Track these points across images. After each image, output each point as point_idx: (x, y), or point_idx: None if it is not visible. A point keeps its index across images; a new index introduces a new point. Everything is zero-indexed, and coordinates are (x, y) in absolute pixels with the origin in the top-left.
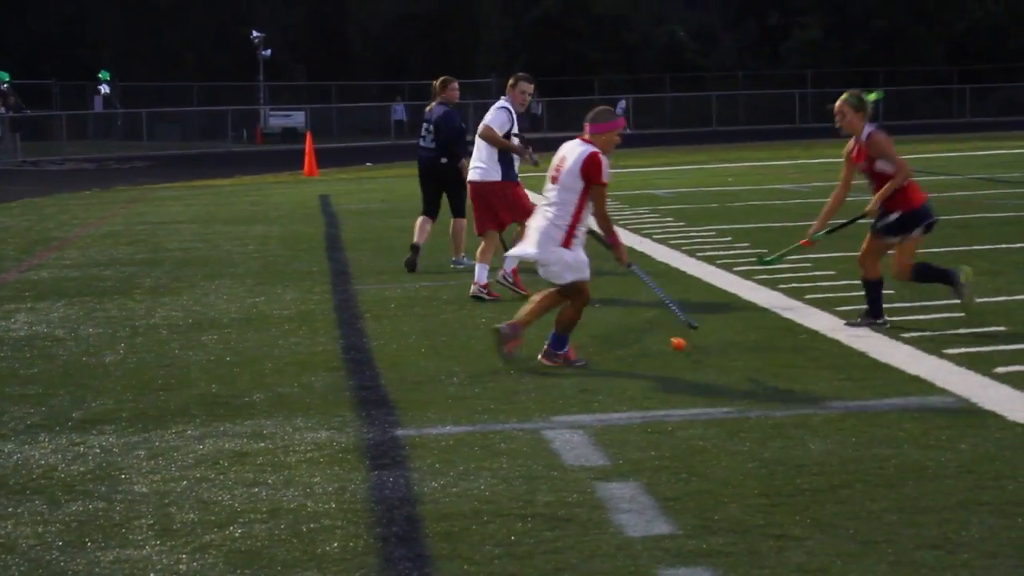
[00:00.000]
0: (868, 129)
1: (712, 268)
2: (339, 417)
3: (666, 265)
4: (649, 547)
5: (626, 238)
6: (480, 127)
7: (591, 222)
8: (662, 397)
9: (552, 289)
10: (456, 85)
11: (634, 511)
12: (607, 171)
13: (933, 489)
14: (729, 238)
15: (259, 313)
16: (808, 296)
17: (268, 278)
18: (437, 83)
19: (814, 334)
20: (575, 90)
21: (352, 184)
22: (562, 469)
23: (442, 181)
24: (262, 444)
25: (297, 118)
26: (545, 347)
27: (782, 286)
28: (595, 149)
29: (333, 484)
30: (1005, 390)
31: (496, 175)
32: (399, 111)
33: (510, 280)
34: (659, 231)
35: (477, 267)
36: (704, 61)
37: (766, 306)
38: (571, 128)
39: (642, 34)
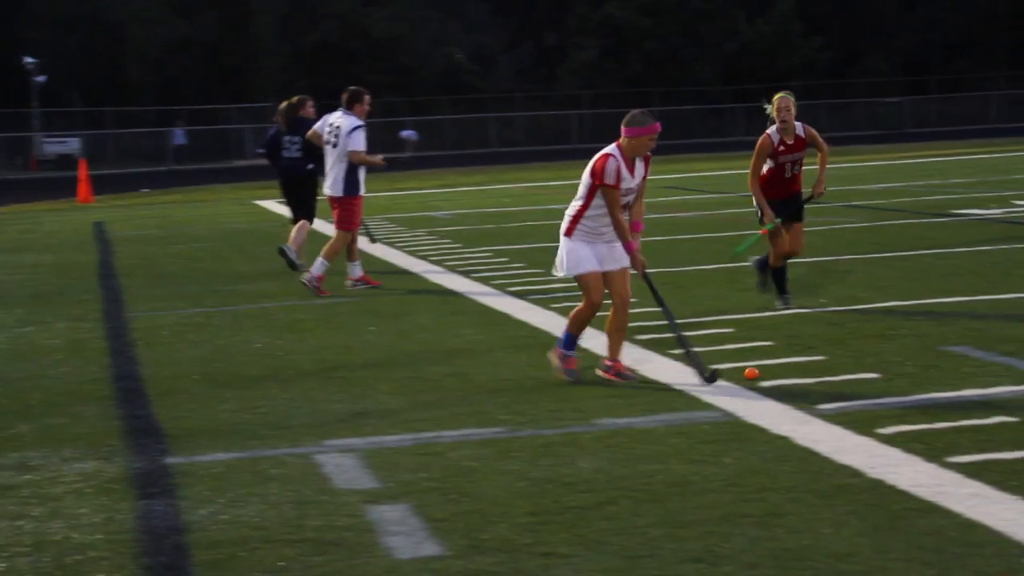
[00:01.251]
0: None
1: (487, 288)
2: (108, 447)
3: (441, 287)
4: (417, 569)
5: (403, 260)
6: (349, 154)
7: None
8: (434, 418)
9: (613, 310)
10: (311, 102)
11: (403, 533)
12: (610, 173)
13: (697, 503)
14: (505, 259)
15: (28, 343)
16: None
17: (38, 307)
18: (295, 100)
19: (585, 352)
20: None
21: (128, 211)
22: (332, 493)
23: (302, 186)
24: (27, 476)
25: (72, 144)
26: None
27: (555, 306)
28: (609, 152)
29: (100, 515)
30: (769, 404)
31: (341, 191)
32: (179, 136)
33: (316, 284)
34: (435, 253)
35: (349, 266)
36: (482, 83)
37: (539, 326)
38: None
39: (420, 57)
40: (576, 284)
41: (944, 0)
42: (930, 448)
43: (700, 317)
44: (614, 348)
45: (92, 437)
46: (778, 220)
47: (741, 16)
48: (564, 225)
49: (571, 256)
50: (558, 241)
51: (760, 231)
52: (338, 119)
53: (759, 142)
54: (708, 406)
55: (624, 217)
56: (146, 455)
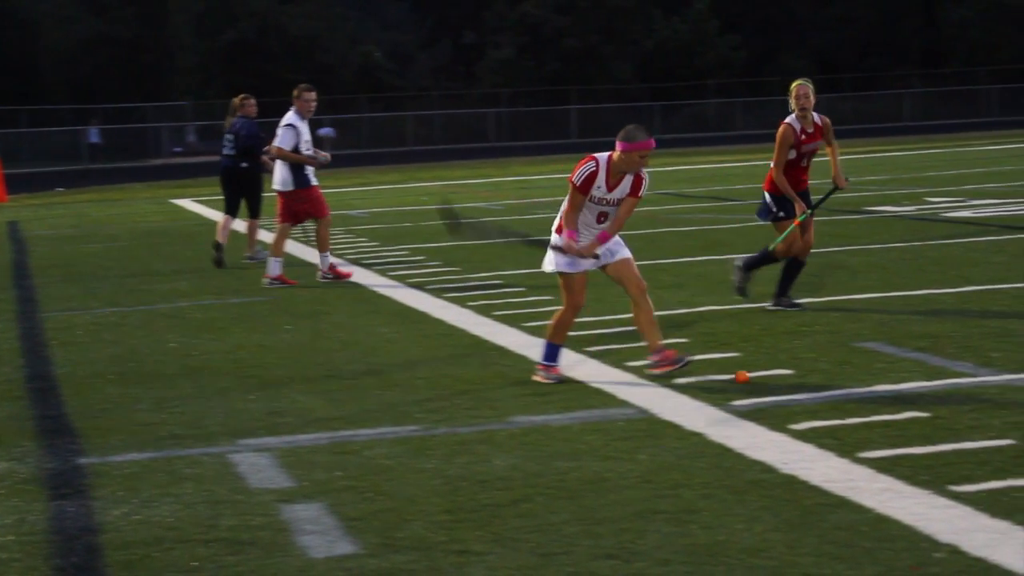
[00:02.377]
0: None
1: (404, 287)
2: (20, 447)
3: (358, 285)
4: (331, 568)
5: (317, 258)
6: (273, 148)
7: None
8: (349, 417)
9: (633, 305)
10: (253, 101)
11: (318, 532)
12: (581, 174)
13: (612, 500)
14: (422, 257)
15: None
16: (497, 313)
17: None
18: (236, 100)
19: (502, 350)
20: (273, 111)
21: (42, 210)
22: (247, 492)
23: (241, 184)
24: None
25: None
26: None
27: (471, 304)
28: (595, 155)
29: (12, 516)
30: (684, 400)
31: (291, 185)
32: (93, 134)
33: (330, 276)
34: (352, 251)
35: (269, 261)
36: (400, 81)
37: (455, 323)
38: None
39: (337, 55)
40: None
41: None
42: (842, 444)
43: (616, 314)
44: (653, 340)
45: (4, 438)
46: (809, 211)
47: (658, 14)
48: (555, 222)
49: (552, 253)
50: (477, 240)
51: (794, 222)
52: (284, 117)
53: (780, 132)
54: (623, 403)
55: (602, 232)
56: (59, 455)
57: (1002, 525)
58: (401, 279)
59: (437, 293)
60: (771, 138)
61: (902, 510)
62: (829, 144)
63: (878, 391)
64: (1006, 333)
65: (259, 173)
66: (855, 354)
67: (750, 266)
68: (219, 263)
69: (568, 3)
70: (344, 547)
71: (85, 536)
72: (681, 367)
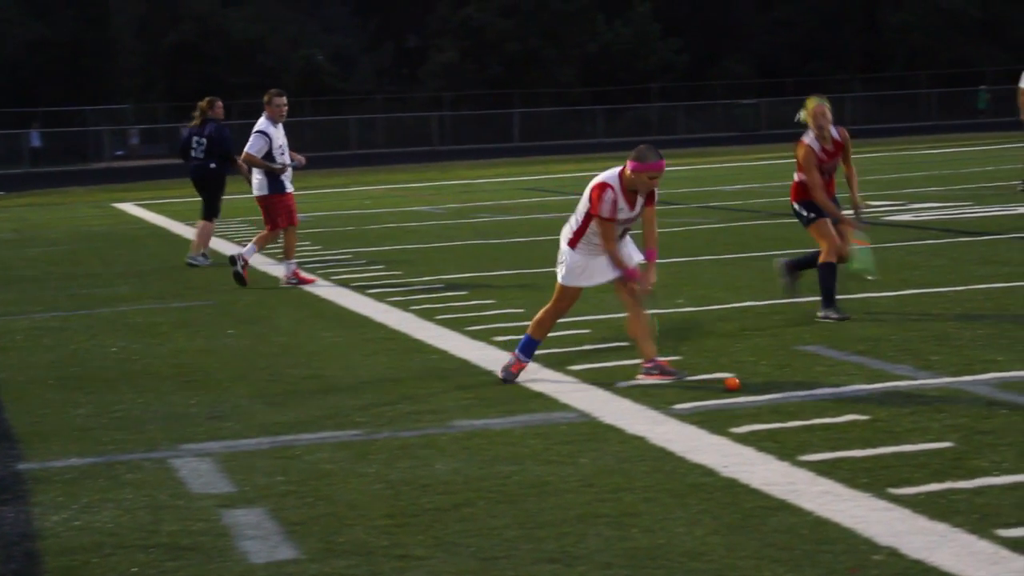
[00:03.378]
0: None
1: (346, 291)
2: None
3: (300, 289)
4: (272, 573)
5: (261, 263)
6: (244, 154)
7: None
8: (291, 421)
9: (629, 313)
10: (221, 104)
11: (258, 537)
12: (605, 206)
13: (553, 504)
14: (365, 261)
15: None
16: (439, 317)
17: None
18: (204, 103)
19: (444, 354)
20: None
21: None
22: (188, 498)
23: (207, 184)
24: None
25: None
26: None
27: (414, 308)
28: (608, 181)
29: None
30: (626, 404)
31: (266, 189)
32: (34, 138)
33: (294, 280)
34: (295, 255)
35: (285, 264)
36: (343, 84)
37: (398, 327)
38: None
39: (280, 58)
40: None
41: (798, 2)
42: (782, 447)
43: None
44: (647, 350)
45: None
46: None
47: (600, 18)
48: (566, 235)
49: (570, 268)
50: (419, 243)
51: (859, 243)
52: (258, 123)
53: (802, 153)
54: (565, 407)
55: (620, 243)
56: None
57: (941, 527)
58: (344, 283)
59: (380, 297)
60: (713, 142)
61: (842, 513)
62: (847, 165)
63: (818, 394)
64: (945, 336)
65: (225, 175)
66: (796, 357)
67: (794, 268)
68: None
69: (511, 7)
70: (285, 552)
71: (24, 542)
72: (674, 380)
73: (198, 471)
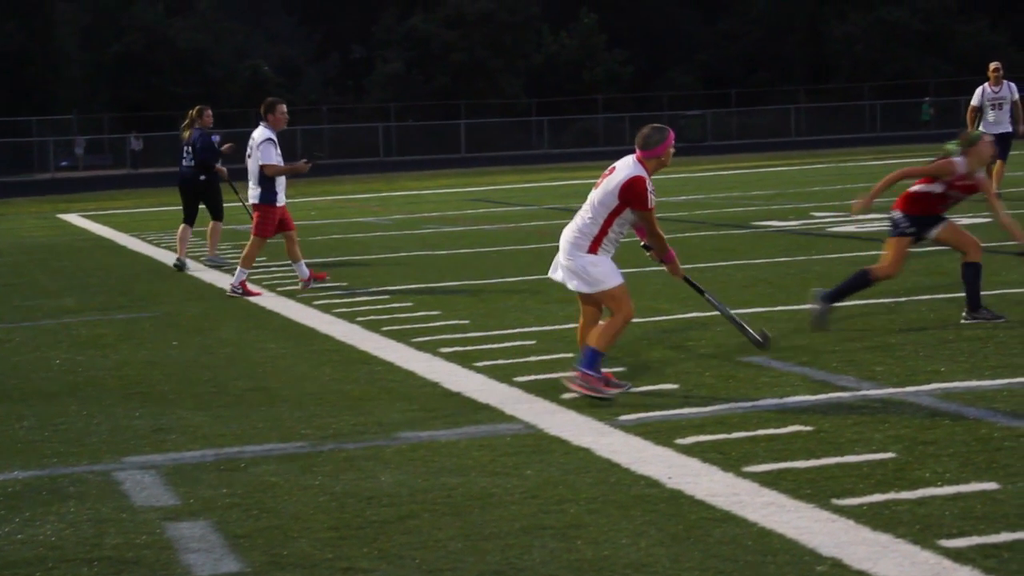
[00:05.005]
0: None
1: (291, 302)
2: None
3: (246, 300)
4: None
5: (206, 274)
6: (263, 168)
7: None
8: (236, 433)
9: (581, 323)
10: (210, 112)
11: (203, 550)
12: (652, 197)
13: (498, 515)
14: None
15: None
16: (385, 328)
17: None
18: (194, 112)
19: (389, 366)
20: (160, 126)
21: None
22: (131, 511)
23: (200, 193)
24: None
25: None
26: (576, 371)
27: (360, 319)
28: (640, 173)
29: None
30: (571, 415)
31: (257, 198)
32: None
33: (239, 290)
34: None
35: (295, 267)
36: (288, 95)
37: (343, 339)
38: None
39: (226, 69)
40: (605, 297)
41: (744, 14)
42: (727, 458)
43: (503, 329)
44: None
45: None
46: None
47: (546, 29)
48: (584, 244)
49: (605, 269)
50: (365, 255)
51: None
52: (257, 132)
53: (941, 163)
54: (511, 419)
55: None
56: None
57: (883, 538)
58: (289, 294)
59: (325, 308)
60: None
61: (785, 524)
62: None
63: (763, 405)
64: (888, 347)
65: (217, 182)
66: (740, 368)
67: (832, 299)
68: (181, 268)
69: (457, 18)
70: (229, 565)
71: None
72: (614, 392)
73: (142, 484)
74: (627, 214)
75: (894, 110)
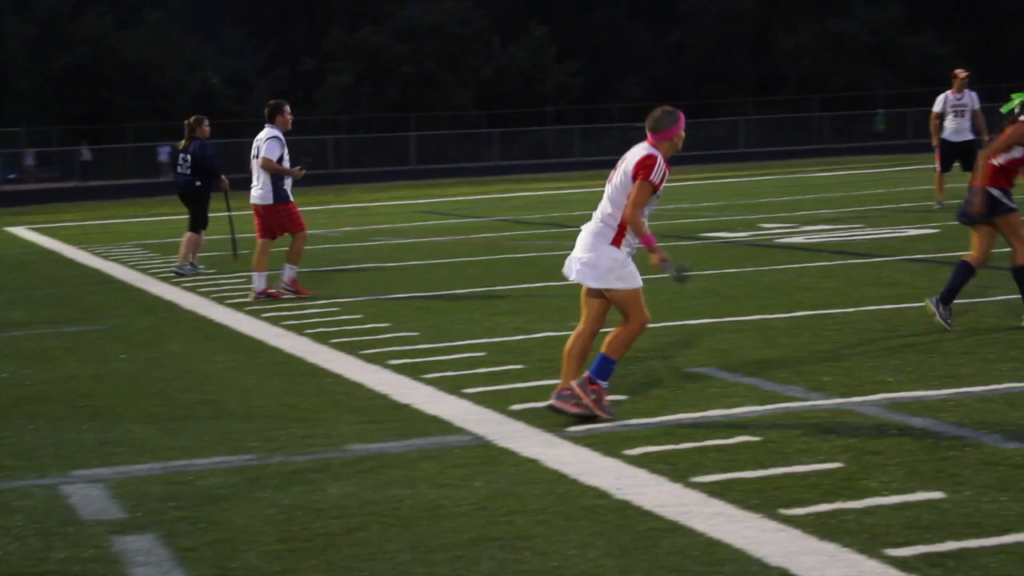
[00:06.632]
0: None
1: (240, 314)
2: None
3: (194, 313)
4: None
5: (156, 287)
6: (260, 159)
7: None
8: (184, 446)
9: (577, 331)
10: (207, 121)
11: (150, 564)
12: (659, 172)
13: (447, 527)
14: None
15: None
16: (333, 340)
17: None
18: (191, 121)
19: (338, 378)
20: (109, 138)
21: None
22: (78, 524)
23: (193, 199)
24: None
25: None
26: (583, 376)
27: (308, 331)
28: (654, 151)
29: None
30: (519, 426)
31: (270, 199)
32: None
33: (290, 288)
34: (189, 279)
35: (254, 276)
36: (238, 107)
37: (291, 351)
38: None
39: (175, 81)
40: (621, 300)
41: (693, 27)
42: (675, 468)
43: (452, 341)
44: (572, 375)
45: None
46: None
47: (496, 41)
48: (608, 235)
49: (629, 269)
50: (314, 267)
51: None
52: (263, 133)
53: (1015, 128)
54: (460, 430)
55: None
56: None
57: (830, 547)
58: (238, 307)
59: (274, 321)
60: (607, 165)
61: (733, 534)
62: None
63: (711, 416)
64: (836, 357)
65: (210, 191)
66: (689, 380)
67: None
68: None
69: (407, 30)
70: None
71: None
72: (580, 412)
73: (89, 497)
74: (657, 197)
75: (842, 121)
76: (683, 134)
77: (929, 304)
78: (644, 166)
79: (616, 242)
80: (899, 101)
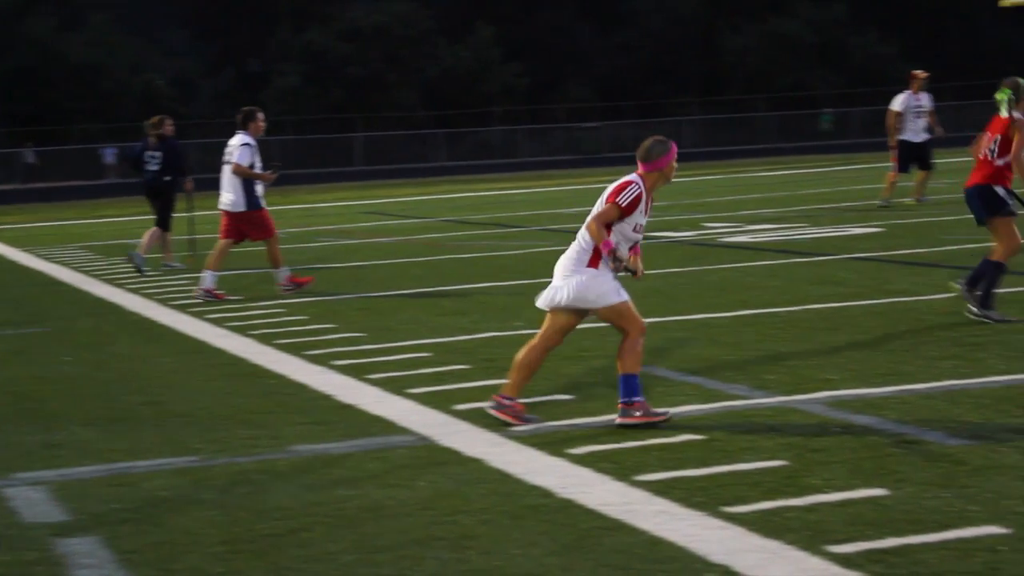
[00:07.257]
0: None
1: (184, 316)
2: None
3: (139, 315)
4: None
5: (100, 289)
6: (232, 165)
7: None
8: (127, 449)
9: (531, 343)
10: (170, 121)
11: (92, 566)
12: (628, 196)
13: (391, 527)
14: None
15: None
16: (277, 341)
17: None
18: (155, 120)
19: (282, 379)
20: (54, 140)
21: None
22: (20, 527)
23: (160, 195)
24: None
25: None
26: (619, 403)
27: (252, 332)
28: (632, 178)
29: None
30: (464, 427)
31: (243, 206)
32: None
33: (290, 286)
34: (133, 281)
35: (205, 274)
36: (184, 109)
37: (236, 352)
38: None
39: (120, 83)
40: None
41: (638, 27)
42: (619, 467)
43: (398, 342)
44: (517, 385)
45: None
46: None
47: (442, 42)
48: (584, 258)
49: (610, 287)
50: (259, 268)
51: None
52: (234, 139)
53: (1016, 126)
54: (404, 431)
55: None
56: None
57: (773, 545)
58: (182, 308)
59: (218, 322)
60: (554, 165)
61: (676, 532)
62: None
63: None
64: (780, 356)
65: (176, 189)
66: None
67: (975, 284)
68: (139, 270)
69: (352, 31)
70: None
71: None
72: (527, 423)
73: (31, 500)
74: (625, 226)
75: (787, 121)
76: (675, 164)
77: (972, 310)
78: (617, 191)
79: (593, 263)
80: (844, 101)
